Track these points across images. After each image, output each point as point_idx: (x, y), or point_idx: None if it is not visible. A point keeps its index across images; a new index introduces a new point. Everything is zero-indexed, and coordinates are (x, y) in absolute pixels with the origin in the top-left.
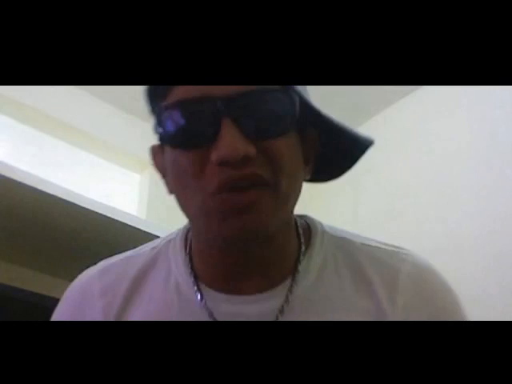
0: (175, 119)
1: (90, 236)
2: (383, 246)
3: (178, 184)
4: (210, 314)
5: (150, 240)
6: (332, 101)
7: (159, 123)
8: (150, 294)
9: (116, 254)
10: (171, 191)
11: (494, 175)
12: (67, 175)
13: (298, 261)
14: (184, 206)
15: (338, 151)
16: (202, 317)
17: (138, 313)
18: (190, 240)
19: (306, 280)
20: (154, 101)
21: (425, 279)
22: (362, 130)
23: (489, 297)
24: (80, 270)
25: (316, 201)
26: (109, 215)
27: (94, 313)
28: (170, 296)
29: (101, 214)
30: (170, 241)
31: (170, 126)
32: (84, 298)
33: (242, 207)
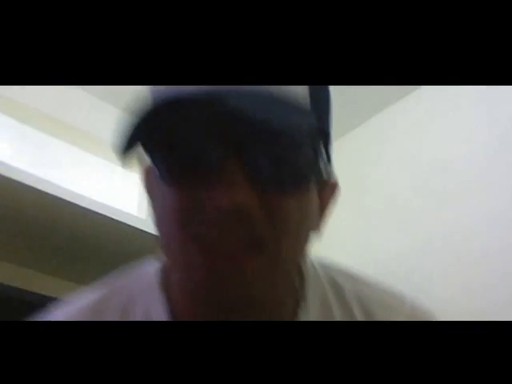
0: (170, 153)
1: (89, 236)
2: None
3: (162, 222)
4: None
5: (150, 240)
6: (332, 101)
7: (151, 151)
8: None
9: (115, 253)
10: (155, 223)
11: (496, 175)
12: (67, 175)
13: (294, 313)
14: (165, 248)
15: None
16: None
17: None
18: (165, 273)
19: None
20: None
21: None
22: (362, 129)
23: (490, 295)
24: (80, 270)
25: None
26: (109, 215)
27: None
28: None
29: (101, 214)
30: (140, 279)
31: (163, 160)
32: None
33: (228, 272)
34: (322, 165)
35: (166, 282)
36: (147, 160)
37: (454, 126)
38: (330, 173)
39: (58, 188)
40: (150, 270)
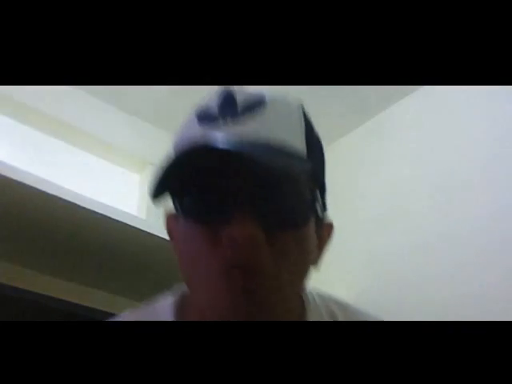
0: (195, 195)
1: (90, 236)
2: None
3: (185, 255)
4: None
5: (149, 240)
6: (332, 101)
7: (178, 194)
8: None
9: (115, 253)
10: (178, 258)
11: (495, 175)
12: (67, 175)
13: None
14: (188, 278)
15: None
16: None
17: None
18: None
19: None
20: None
21: None
22: (362, 130)
23: (490, 296)
24: (80, 270)
25: None
26: (109, 215)
27: None
28: None
29: (101, 214)
30: (154, 309)
31: (189, 200)
32: None
33: (243, 291)
34: (318, 207)
35: (181, 313)
36: (170, 208)
37: (455, 126)
38: (325, 216)
39: (58, 188)
40: (164, 303)
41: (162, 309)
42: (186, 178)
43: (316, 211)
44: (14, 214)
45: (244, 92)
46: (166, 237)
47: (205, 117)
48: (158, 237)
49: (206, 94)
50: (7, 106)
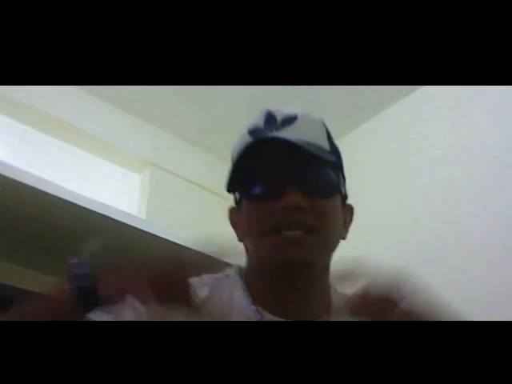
0: (257, 181)
1: (89, 236)
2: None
3: (248, 227)
4: None
5: (149, 240)
6: (332, 101)
7: (243, 183)
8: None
9: (115, 253)
10: (241, 237)
11: (494, 175)
12: (67, 175)
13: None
14: (250, 241)
15: None
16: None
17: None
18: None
19: (340, 317)
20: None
21: None
22: (362, 130)
23: (489, 297)
24: None
25: None
26: (109, 215)
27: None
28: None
29: (101, 214)
30: (227, 275)
31: (252, 186)
32: None
33: (293, 242)
34: (342, 188)
35: (245, 277)
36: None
37: (455, 126)
38: (347, 198)
39: (58, 188)
40: (231, 271)
41: (232, 276)
42: (250, 169)
43: (341, 191)
44: (14, 214)
45: (281, 111)
46: (166, 237)
47: (254, 131)
48: (158, 237)
49: (213, 97)
50: (7, 105)
